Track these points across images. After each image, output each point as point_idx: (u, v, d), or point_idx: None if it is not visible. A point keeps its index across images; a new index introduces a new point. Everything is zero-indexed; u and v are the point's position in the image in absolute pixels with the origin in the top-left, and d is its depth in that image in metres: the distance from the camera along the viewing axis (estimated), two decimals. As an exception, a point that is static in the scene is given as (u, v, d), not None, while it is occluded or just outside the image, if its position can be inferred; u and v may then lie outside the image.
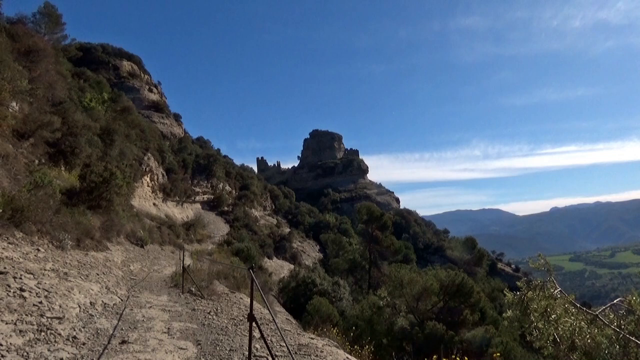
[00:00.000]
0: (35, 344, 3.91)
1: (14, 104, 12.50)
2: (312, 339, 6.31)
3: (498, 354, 10.47)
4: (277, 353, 4.95)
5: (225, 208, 47.67)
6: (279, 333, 5.51)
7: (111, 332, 4.92)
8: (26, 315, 4.37)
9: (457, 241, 58.84)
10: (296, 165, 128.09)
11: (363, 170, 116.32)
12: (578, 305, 3.96)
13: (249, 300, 4.76)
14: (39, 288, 5.20)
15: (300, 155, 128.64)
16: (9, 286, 4.86)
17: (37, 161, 12.22)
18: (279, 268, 34.02)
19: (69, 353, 3.97)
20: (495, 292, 28.53)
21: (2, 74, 11.01)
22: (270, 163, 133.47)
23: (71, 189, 11.84)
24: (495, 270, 62.53)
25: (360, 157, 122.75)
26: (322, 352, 5.33)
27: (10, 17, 22.56)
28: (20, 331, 3.99)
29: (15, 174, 9.48)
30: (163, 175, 35.05)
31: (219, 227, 40.17)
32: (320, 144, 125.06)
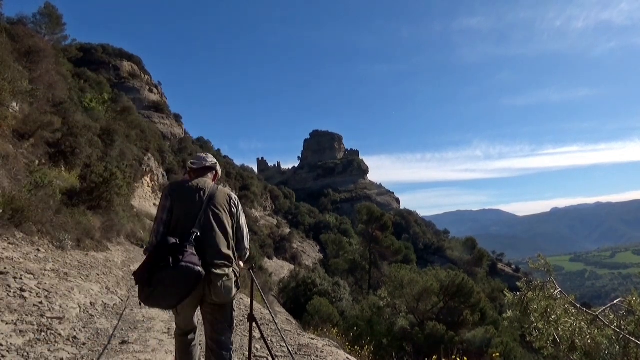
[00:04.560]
0: (36, 344, 3.91)
1: (14, 104, 12.51)
2: (312, 339, 6.30)
3: (498, 354, 10.46)
4: (277, 353, 4.94)
5: (226, 208, 47.58)
6: (279, 333, 5.50)
7: (111, 332, 4.92)
8: (26, 315, 4.37)
9: (458, 242, 58.75)
10: (296, 165, 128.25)
11: (363, 170, 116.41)
12: (578, 305, 3.97)
13: (249, 300, 4.76)
14: (39, 288, 5.20)
15: (300, 156, 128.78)
16: (9, 286, 4.86)
17: (37, 161, 12.22)
18: (279, 268, 34.03)
19: (69, 353, 3.97)
20: (496, 293, 28.48)
21: (3, 74, 11.02)
22: (271, 163, 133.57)
23: (71, 189, 11.83)
24: (496, 271, 62.46)
25: (361, 157, 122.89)
26: (322, 352, 5.33)
27: (10, 17, 22.59)
28: (21, 331, 3.99)
29: (15, 174, 9.48)
30: (163, 175, 35.05)
31: (219, 228, 40.10)
32: (321, 145, 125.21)
